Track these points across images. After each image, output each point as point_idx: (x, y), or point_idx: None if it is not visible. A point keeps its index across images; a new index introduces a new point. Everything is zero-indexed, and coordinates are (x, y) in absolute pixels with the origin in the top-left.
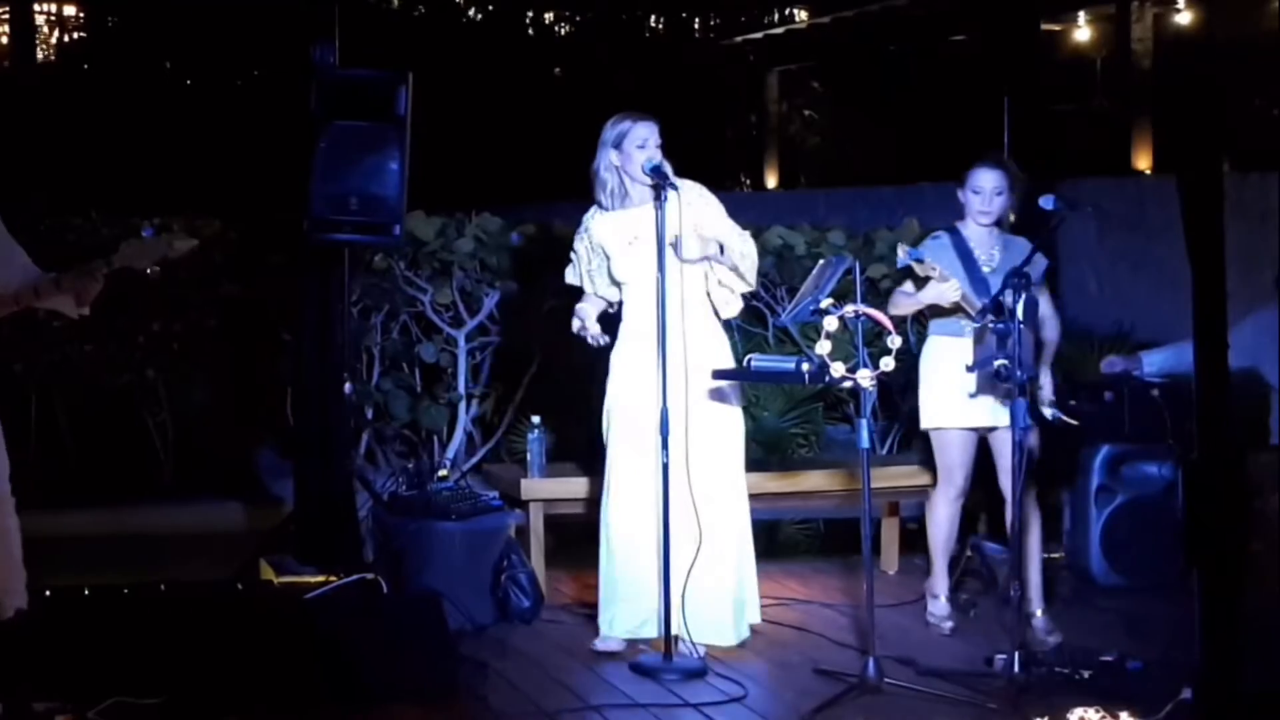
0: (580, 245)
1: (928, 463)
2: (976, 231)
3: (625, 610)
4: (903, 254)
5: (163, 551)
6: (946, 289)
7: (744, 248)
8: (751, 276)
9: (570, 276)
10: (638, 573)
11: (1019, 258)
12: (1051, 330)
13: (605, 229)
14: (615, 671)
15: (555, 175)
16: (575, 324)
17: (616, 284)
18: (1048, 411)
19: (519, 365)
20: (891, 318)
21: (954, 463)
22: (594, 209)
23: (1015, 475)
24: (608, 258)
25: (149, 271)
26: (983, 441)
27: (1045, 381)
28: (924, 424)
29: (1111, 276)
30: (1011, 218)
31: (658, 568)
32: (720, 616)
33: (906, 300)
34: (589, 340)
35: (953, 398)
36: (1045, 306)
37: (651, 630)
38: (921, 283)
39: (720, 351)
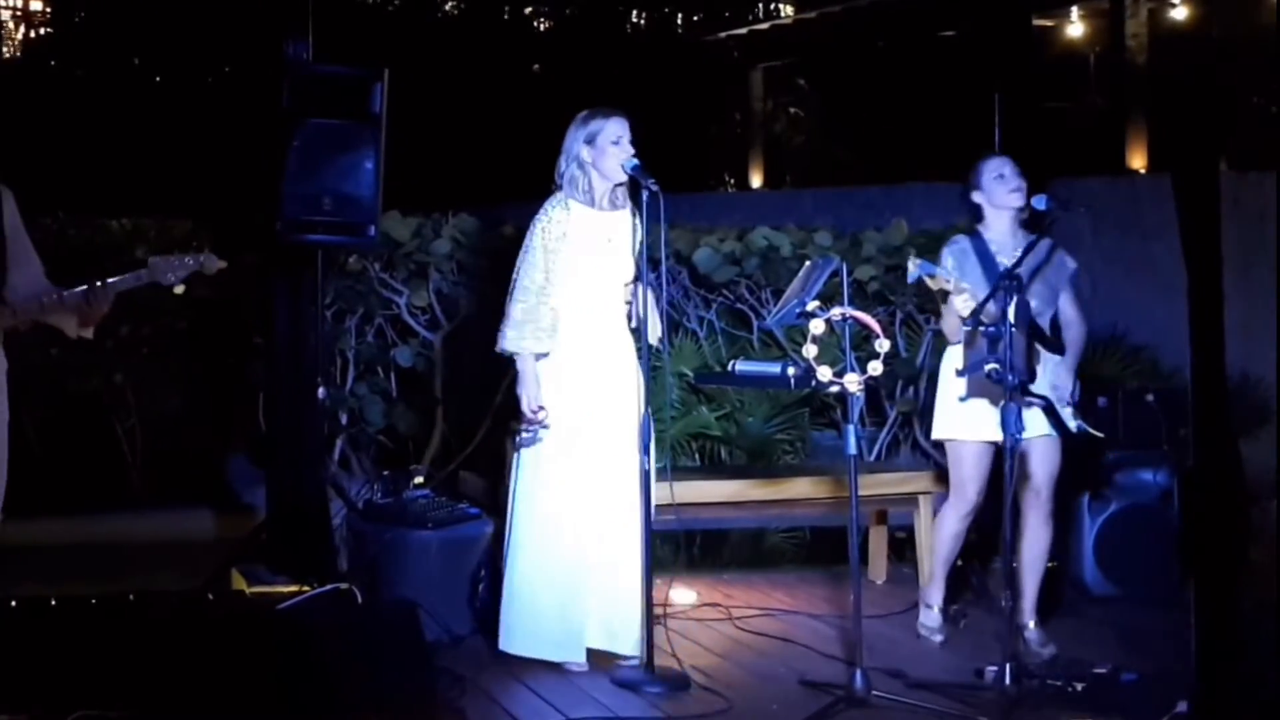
0: (550, 235)
1: (920, 470)
2: (999, 232)
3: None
4: (914, 268)
5: (131, 561)
6: (958, 301)
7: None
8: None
9: (532, 278)
10: (560, 589)
11: (1044, 258)
12: (1074, 333)
13: (574, 224)
14: (596, 684)
15: (534, 175)
16: (528, 404)
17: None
18: (1072, 423)
19: (497, 370)
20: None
21: (967, 476)
22: (562, 199)
23: (1007, 482)
24: (564, 252)
25: (175, 289)
26: (999, 454)
27: (1068, 388)
28: (934, 434)
29: (1106, 278)
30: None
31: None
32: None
33: (943, 324)
34: (534, 429)
35: (968, 408)
36: (1069, 309)
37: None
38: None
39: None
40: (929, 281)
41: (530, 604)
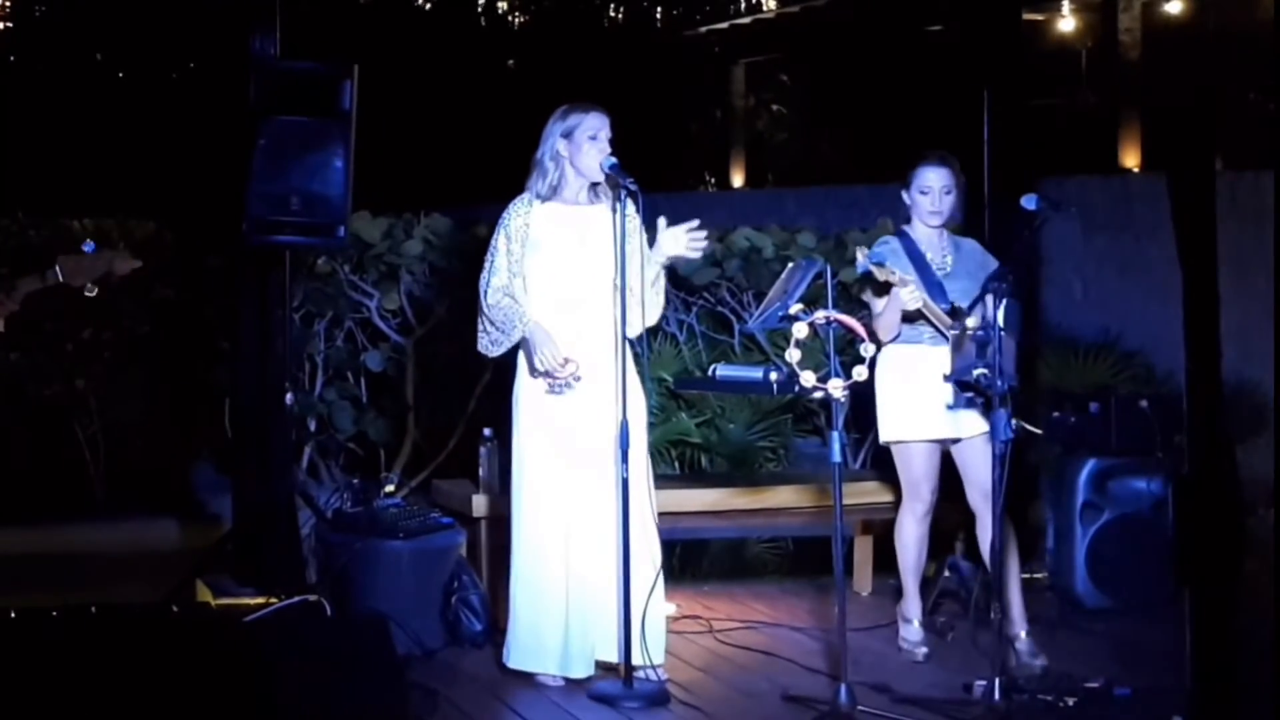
0: (512, 230)
1: (887, 479)
2: (926, 234)
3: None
4: (862, 258)
5: (94, 571)
6: (904, 294)
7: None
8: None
9: (494, 277)
10: (550, 601)
11: (972, 260)
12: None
13: (545, 220)
14: (573, 699)
15: (509, 174)
16: (548, 358)
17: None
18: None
19: (470, 375)
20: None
21: (919, 476)
22: (528, 196)
23: (996, 489)
24: (533, 249)
25: (86, 291)
26: (947, 455)
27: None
28: (883, 437)
29: (1097, 280)
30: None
31: (573, 595)
32: (658, 635)
33: (879, 320)
34: (562, 381)
35: (912, 408)
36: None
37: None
38: (882, 290)
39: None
40: (877, 273)
41: (527, 619)
